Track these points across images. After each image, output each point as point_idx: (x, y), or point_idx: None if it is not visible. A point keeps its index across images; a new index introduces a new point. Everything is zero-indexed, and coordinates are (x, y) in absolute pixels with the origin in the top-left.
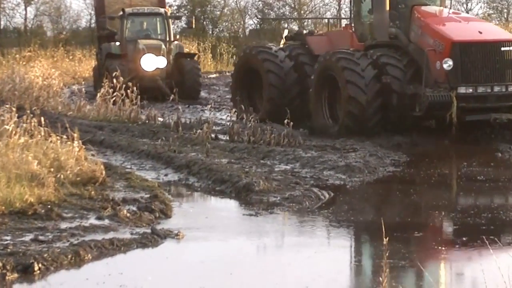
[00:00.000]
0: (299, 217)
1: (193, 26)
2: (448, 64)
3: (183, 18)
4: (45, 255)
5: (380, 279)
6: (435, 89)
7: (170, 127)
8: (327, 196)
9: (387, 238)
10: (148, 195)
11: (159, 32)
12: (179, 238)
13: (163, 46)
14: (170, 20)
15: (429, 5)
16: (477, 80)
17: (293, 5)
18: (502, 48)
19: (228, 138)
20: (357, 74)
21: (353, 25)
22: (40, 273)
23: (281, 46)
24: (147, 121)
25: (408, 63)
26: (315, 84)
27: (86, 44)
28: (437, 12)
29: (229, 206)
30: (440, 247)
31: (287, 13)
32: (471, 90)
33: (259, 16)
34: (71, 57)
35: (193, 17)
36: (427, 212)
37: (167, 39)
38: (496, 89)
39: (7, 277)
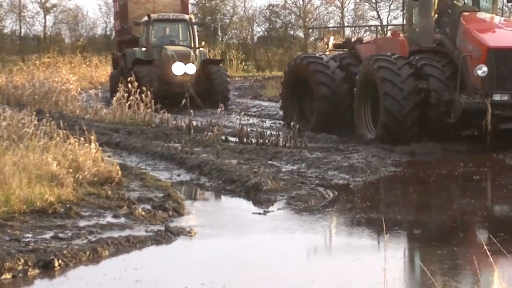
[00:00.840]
0: (305, 215)
1: (219, 33)
2: (482, 70)
3: (210, 26)
4: (65, 251)
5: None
6: (470, 96)
7: (182, 130)
8: (331, 195)
9: (387, 235)
10: (161, 194)
11: (182, 38)
12: (191, 235)
13: (192, 53)
14: (195, 27)
15: (478, 11)
16: None
17: (298, 13)
18: None
19: (237, 139)
20: (396, 86)
21: (405, 30)
22: (60, 269)
23: (327, 53)
24: (160, 124)
25: (452, 73)
26: (358, 90)
27: (102, 51)
28: (483, 18)
29: (239, 204)
30: (436, 243)
31: (293, 21)
32: (506, 97)
33: (309, 27)
34: (88, 63)
35: (219, 24)
36: (425, 210)
37: (192, 45)
38: None
39: (29, 273)
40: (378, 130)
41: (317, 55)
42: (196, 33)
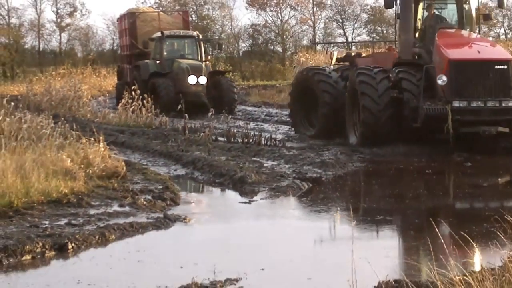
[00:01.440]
0: (284, 203)
1: (222, 48)
2: (442, 79)
3: (214, 42)
4: (77, 236)
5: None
6: (434, 103)
7: (178, 131)
8: (306, 186)
9: (354, 220)
10: (161, 187)
11: (191, 52)
12: (186, 222)
13: (204, 66)
14: (201, 42)
15: (457, 29)
16: (471, 95)
17: (277, 31)
18: (496, 67)
19: (225, 139)
20: (371, 86)
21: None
22: (73, 251)
23: (332, 67)
24: (159, 126)
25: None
26: (347, 98)
27: (109, 63)
28: (458, 34)
29: (227, 195)
30: (396, 227)
31: (273, 37)
32: (465, 104)
33: (316, 41)
34: (97, 74)
35: (222, 41)
36: (386, 199)
37: (199, 59)
38: (490, 104)
39: (46, 255)
40: (358, 137)
41: (320, 67)
42: (203, 48)
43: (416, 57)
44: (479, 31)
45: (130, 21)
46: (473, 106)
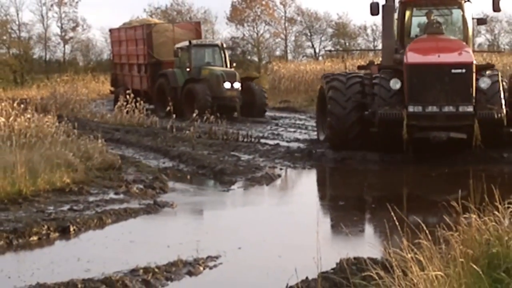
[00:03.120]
0: (258, 191)
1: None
2: (395, 84)
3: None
4: (78, 220)
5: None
6: (393, 108)
7: (166, 129)
8: (278, 177)
9: (319, 210)
10: (151, 177)
11: (216, 60)
12: (173, 207)
13: (237, 73)
14: (226, 50)
15: (443, 34)
16: (426, 100)
17: (253, 43)
18: (453, 71)
19: (208, 136)
20: (339, 91)
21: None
22: (74, 233)
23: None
24: (150, 125)
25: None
26: (317, 100)
27: (107, 71)
28: (433, 39)
29: (208, 184)
30: (354, 211)
31: (250, 48)
32: (420, 109)
33: (327, 50)
34: (96, 80)
35: (246, 49)
36: (346, 187)
37: (224, 66)
38: (446, 109)
39: (50, 236)
40: (325, 143)
41: (338, 73)
42: (227, 56)
43: (397, 63)
44: (474, 37)
45: (147, 32)
46: (427, 111)
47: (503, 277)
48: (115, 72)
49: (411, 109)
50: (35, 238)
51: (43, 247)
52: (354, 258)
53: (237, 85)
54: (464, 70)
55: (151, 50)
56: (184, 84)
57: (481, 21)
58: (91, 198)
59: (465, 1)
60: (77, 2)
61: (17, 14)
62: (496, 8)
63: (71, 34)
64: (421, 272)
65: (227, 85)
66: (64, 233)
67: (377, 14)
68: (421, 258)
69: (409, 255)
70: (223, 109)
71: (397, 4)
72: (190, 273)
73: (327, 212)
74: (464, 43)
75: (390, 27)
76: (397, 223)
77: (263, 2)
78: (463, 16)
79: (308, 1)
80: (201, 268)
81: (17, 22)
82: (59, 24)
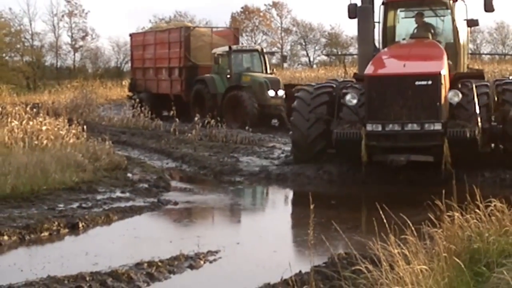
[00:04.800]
0: (256, 190)
1: (287, 61)
2: (352, 100)
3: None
4: (86, 216)
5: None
6: (353, 125)
7: (170, 132)
8: (274, 177)
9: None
10: (155, 177)
11: (256, 65)
12: (176, 205)
13: (281, 81)
14: (266, 55)
15: (429, 38)
16: (387, 117)
17: None
18: (417, 83)
19: (209, 139)
20: (304, 102)
21: None
22: (83, 229)
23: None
24: (155, 128)
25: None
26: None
27: (114, 77)
28: (404, 44)
29: (209, 183)
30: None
31: None
32: (379, 128)
33: (328, 53)
34: (104, 86)
35: (286, 54)
36: (324, 183)
37: (263, 71)
38: (408, 127)
39: (60, 232)
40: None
41: (310, 84)
42: (267, 61)
43: None
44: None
45: (185, 35)
46: (388, 130)
47: (484, 271)
48: (134, 77)
49: (369, 127)
50: (46, 233)
51: (54, 242)
52: (345, 253)
53: (281, 92)
54: (429, 82)
55: (188, 53)
56: (225, 91)
57: (471, 23)
58: (99, 197)
59: (454, 1)
60: (86, 13)
61: (30, 24)
62: (488, 8)
63: (80, 43)
64: (407, 266)
65: (271, 93)
66: (73, 229)
67: (355, 17)
68: (407, 253)
69: (395, 251)
70: (267, 118)
71: (379, 6)
72: (191, 267)
73: (321, 210)
74: (441, 50)
75: (366, 32)
76: (385, 221)
77: (261, 14)
78: (452, 18)
79: (303, 13)
80: (202, 262)
81: (30, 32)
82: (70, 34)
